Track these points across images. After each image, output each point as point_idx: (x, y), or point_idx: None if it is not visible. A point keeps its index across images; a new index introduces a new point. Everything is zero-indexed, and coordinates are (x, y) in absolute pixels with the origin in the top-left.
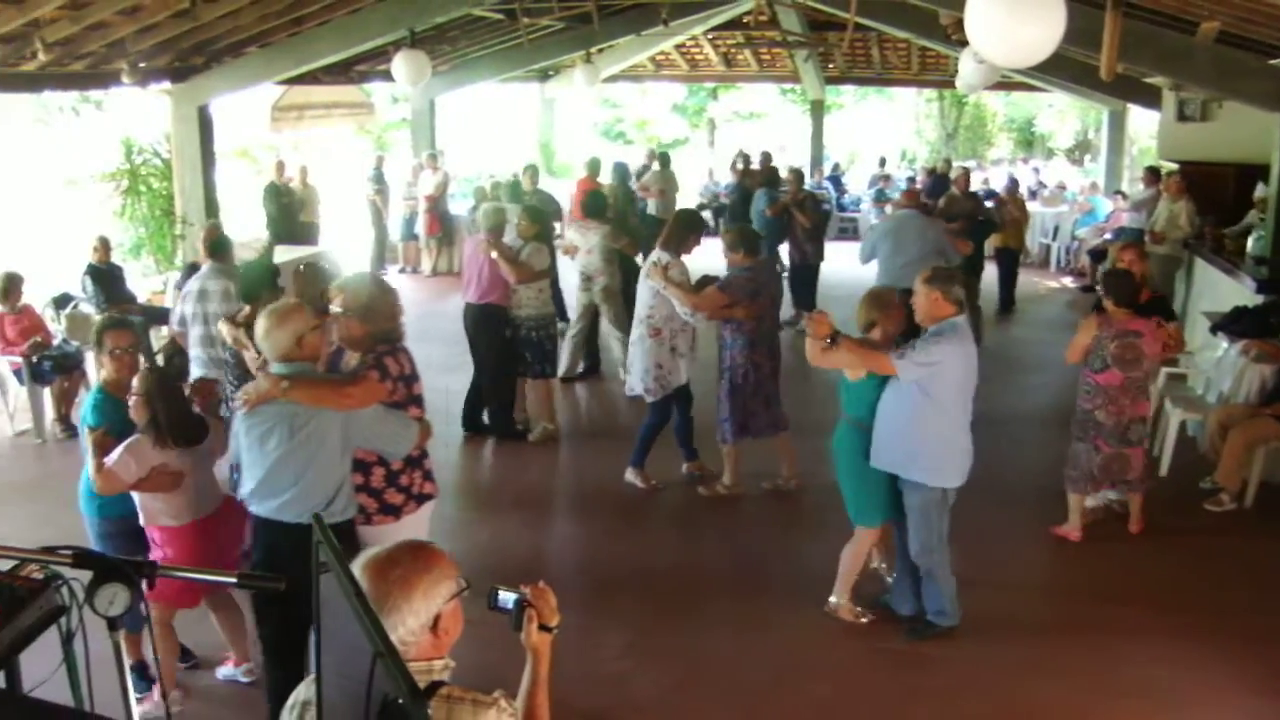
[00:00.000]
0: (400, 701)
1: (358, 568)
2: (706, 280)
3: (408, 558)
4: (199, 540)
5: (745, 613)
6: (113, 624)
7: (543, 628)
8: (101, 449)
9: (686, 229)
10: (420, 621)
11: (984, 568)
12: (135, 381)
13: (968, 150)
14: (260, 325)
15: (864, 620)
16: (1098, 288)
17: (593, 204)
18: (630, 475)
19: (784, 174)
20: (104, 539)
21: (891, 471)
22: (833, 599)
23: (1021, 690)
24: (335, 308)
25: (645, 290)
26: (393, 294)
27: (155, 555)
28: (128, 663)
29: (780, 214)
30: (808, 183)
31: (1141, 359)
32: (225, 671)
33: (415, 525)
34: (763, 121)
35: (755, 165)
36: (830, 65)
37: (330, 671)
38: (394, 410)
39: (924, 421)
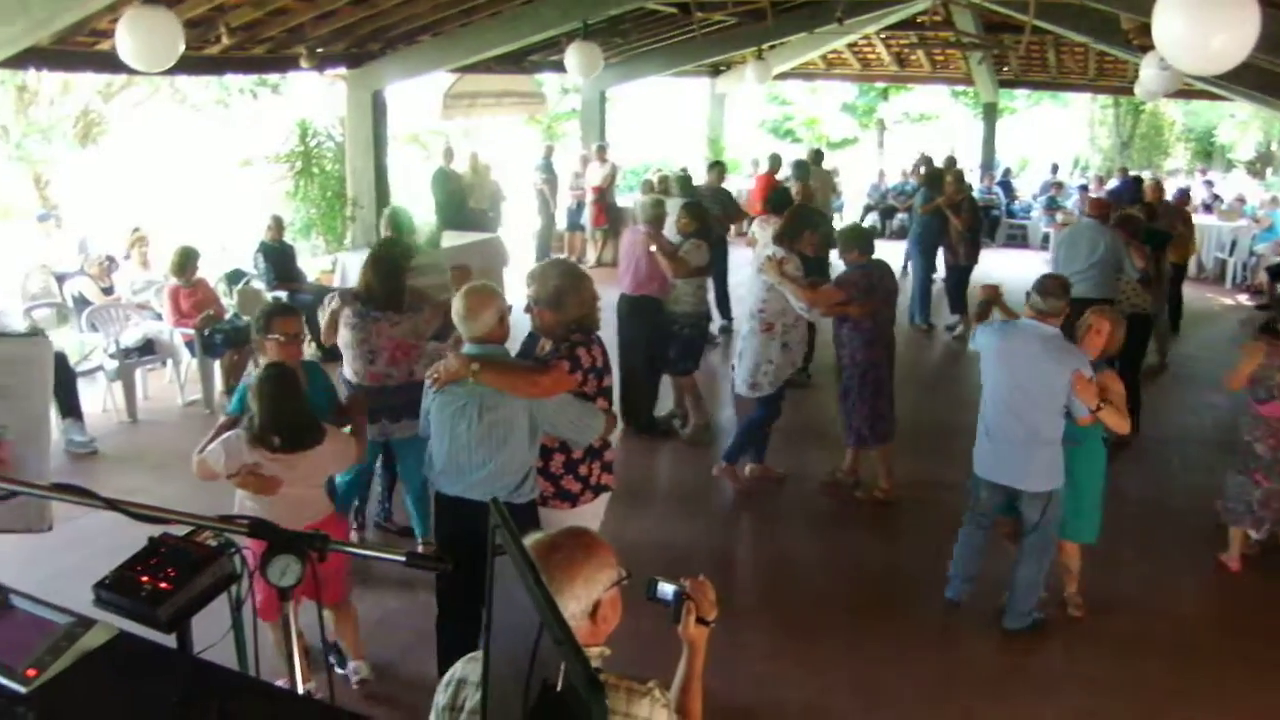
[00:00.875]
0: (559, 689)
1: None
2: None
3: (570, 543)
4: None
5: (903, 623)
6: (283, 594)
7: (700, 621)
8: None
9: (802, 224)
10: (581, 607)
11: (1144, 589)
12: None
13: (1143, 159)
14: (456, 306)
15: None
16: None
17: (776, 200)
18: (718, 471)
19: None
20: None
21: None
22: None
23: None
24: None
25: (758, 285)
26: (585, 281)
27: None
28: (295, 633)
29: (934, 214)
30: (978, 188)
31: None
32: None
33: (590, 515)
34: (933, 124)
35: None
36: (1004, 68)
37: (498, 656)
38: (582, 400)
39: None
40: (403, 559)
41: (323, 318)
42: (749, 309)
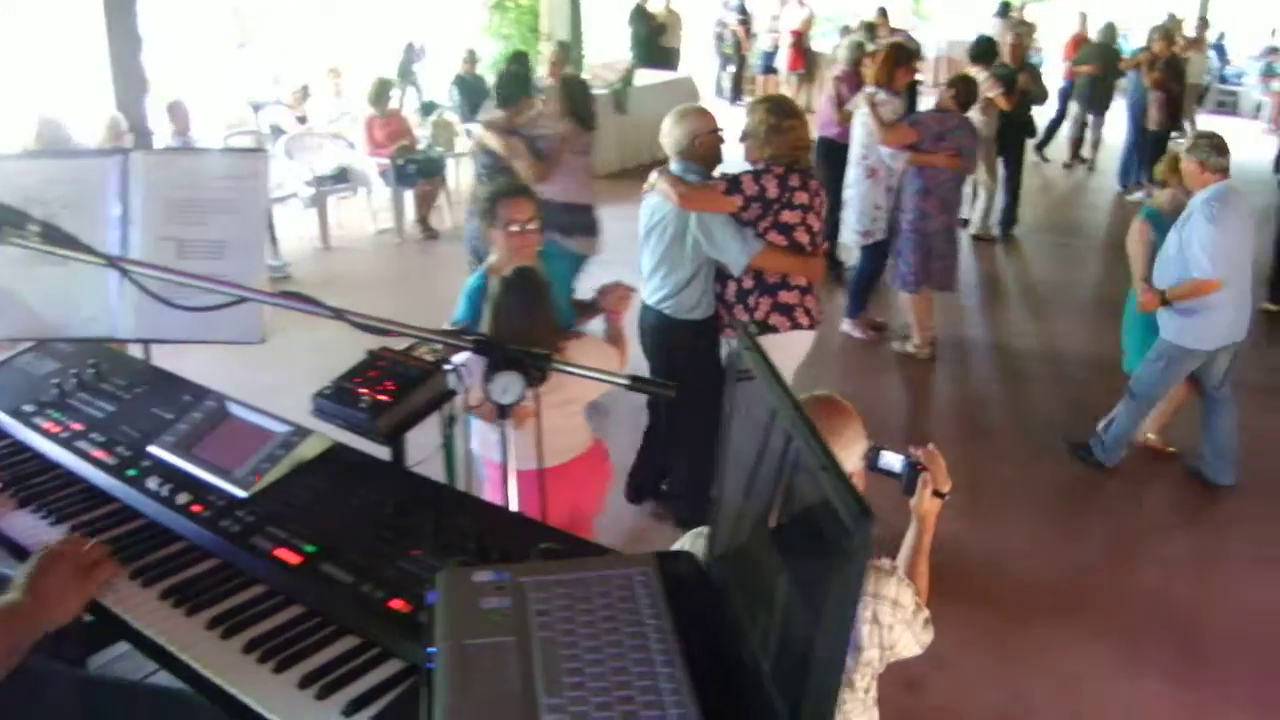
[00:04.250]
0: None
1: None
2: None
3: (824, 410)
4: (537, 491)
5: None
6: (503, 411)
7: (936, 494)
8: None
9: (895, 63)
10: None
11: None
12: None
13: None
14: (664, 124)
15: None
16: None
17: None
18: (847, 326)
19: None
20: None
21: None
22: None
23: None
24: None
25: (861, 130)
26: (793, 120)
27: (485, 492)
28: (512, 451)
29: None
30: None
31: None
32: None
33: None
34: None
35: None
36: None
37: (732, 488)
38: (732, 224)
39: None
40: (627, 383)
41: (516, 155)
42: (852, 155)
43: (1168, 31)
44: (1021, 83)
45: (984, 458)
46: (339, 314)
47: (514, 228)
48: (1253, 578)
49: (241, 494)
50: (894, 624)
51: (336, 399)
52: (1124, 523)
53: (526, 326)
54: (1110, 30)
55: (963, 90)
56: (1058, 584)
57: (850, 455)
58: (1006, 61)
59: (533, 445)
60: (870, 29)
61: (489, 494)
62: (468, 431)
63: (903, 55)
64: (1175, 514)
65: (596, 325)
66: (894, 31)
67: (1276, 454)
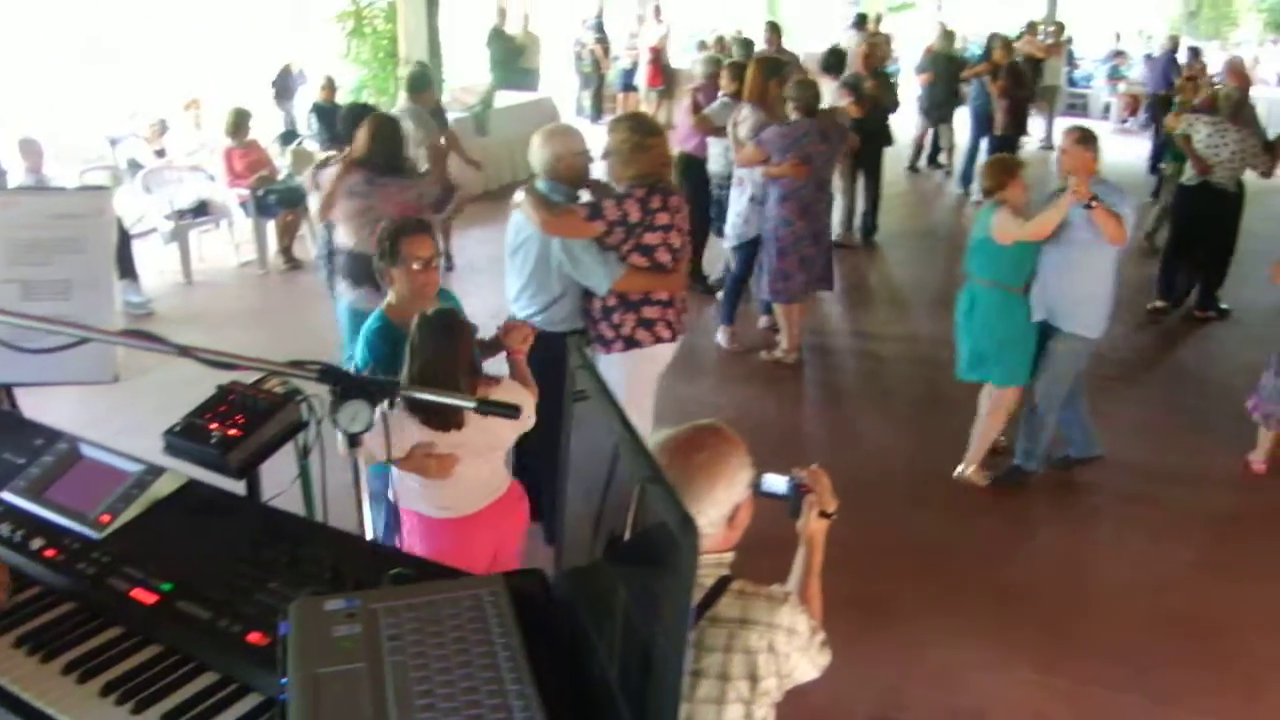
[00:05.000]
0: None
1: (653, 447)
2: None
3: (712, 440)
4: (462, 539)
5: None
6: (353, 440)
7: (822, 514)
8: None
9: (766, 77)
10: (722, 513)
11: (1168, 474)
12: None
13: (1210, 30)
14: (533, 140)
15: (986, 483)
16: None
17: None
18: (720, 336)
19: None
20: (375, 499)
21: (1053, 324)
22: (966, 469)
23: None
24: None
25: (720, 143)
26: (654, 139)
27: (403, 542)
28: (364, 479)
29: (974, 79)
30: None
31: None
32: None
33: (616, 365)
34: None
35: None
36: None
37: (574, 504)
38: (596, 247)
39: (1094, 275)
40: (473, 405)
41: (310, 187)
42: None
43: (1006, 40)
44: (869, 89)
45: (852, 459)
46: (185, 351)
47: (416, 265)
48: (1112, 560)
49: (96, 536)
50: (790, 652)
51: (187, 436)
52: (991, 517)
53: (449, 369)
54: (948, 38)
55: (803, 99)
56: (928, 581)
57: (736, 484)
58: (859, 71)
59: (457, 494)
60: (747, 45)
61: (409, 545)
62: (357, 474)
63: (772, 69)
64: (1039, 506)
65: (498, 364)
66: (782, 50)
67: (1134, 440)
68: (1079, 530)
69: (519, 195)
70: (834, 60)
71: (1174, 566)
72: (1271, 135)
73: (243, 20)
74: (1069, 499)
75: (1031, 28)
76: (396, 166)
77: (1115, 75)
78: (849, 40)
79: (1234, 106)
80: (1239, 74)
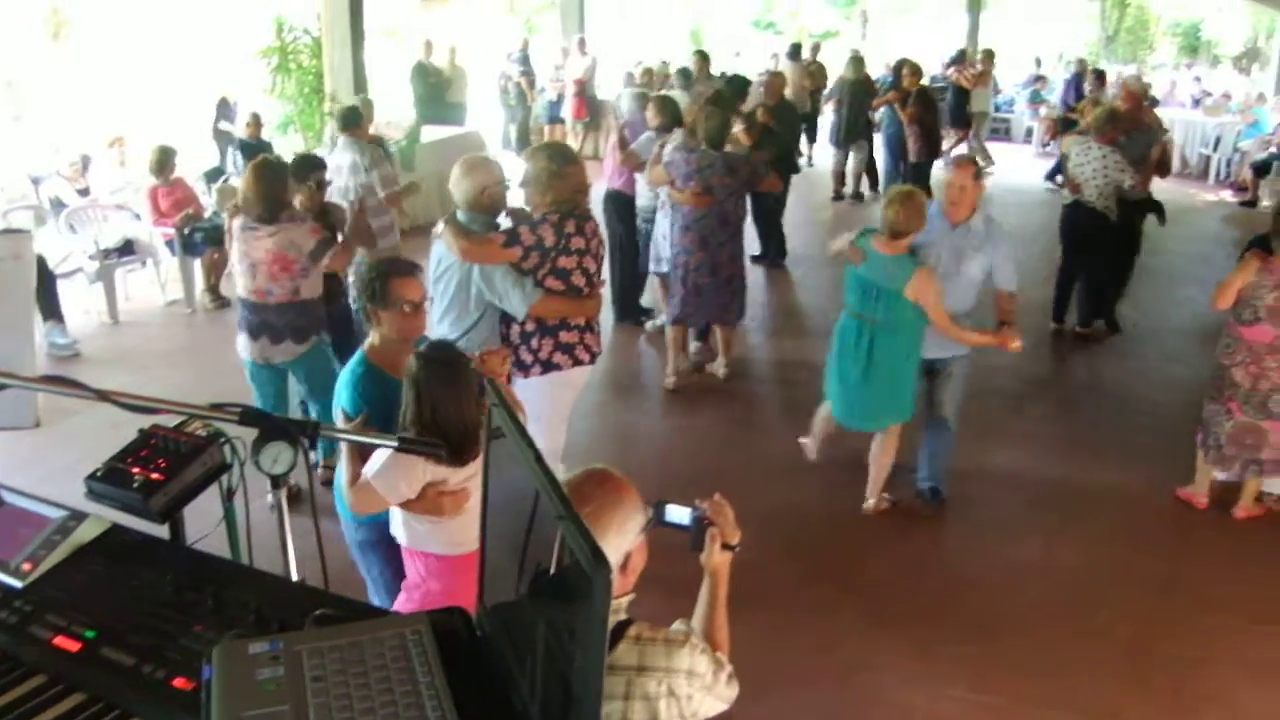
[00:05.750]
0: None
1: None
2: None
3: (598, 491)
4: (458, 576)
5: None
6: (275, 482)
7: (725, 546)
8: (358, 454)
9: (675, 114)
10: (614, 561)
11: (1090, 508)
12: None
13: (1128, 54)
14: (453, 173)
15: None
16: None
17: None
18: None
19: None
20: (364, 548)
21: (945, 357)
22: (872, 501)
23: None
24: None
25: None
26: (571, 167)
27: (417, 588)
28: (288, 521)
29: (884, 107)
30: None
31: None
32: None
33: (535, 388)
34: (916, 15)
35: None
36: None
37: (494, 542)
38: (514, 273)
39: (967, 297)
40: (395, 444)
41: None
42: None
43: (915, 66)
44: (760, 117)
45: (760, 481)
46: (104, 396)
47: (407, 308)
48: (1039, 579)
49: (17, 584)
50: (692, 693)
51: (109, 480)
52: (911, 541)
53: (465, 403)
54: (857, 64)
55: (708, 129)
56: (854, 606)
57: (627, 532)
58: (767, 102)
59: (471, 527)
60: (686, 75)
61: (425, 589)
62: (282, 515)
63: (727, 102)
64: (955, 526)
65: None
66: (710, 77)
67: (1051, 458)
68: (1001, 548)
69: (439, 226)
70: (735, 90)
71: (1101, 583)
72: (1179, 156)
73: (168, 56)
74: (987, 517)
75: (963, 56)
76: (274, 213)
77: (1036, 99)
78: (786, 70)
79: (1101, 124)
80: (1131, 95)
